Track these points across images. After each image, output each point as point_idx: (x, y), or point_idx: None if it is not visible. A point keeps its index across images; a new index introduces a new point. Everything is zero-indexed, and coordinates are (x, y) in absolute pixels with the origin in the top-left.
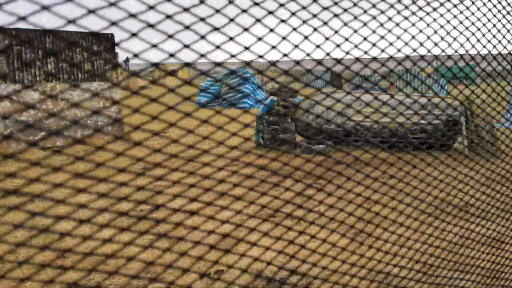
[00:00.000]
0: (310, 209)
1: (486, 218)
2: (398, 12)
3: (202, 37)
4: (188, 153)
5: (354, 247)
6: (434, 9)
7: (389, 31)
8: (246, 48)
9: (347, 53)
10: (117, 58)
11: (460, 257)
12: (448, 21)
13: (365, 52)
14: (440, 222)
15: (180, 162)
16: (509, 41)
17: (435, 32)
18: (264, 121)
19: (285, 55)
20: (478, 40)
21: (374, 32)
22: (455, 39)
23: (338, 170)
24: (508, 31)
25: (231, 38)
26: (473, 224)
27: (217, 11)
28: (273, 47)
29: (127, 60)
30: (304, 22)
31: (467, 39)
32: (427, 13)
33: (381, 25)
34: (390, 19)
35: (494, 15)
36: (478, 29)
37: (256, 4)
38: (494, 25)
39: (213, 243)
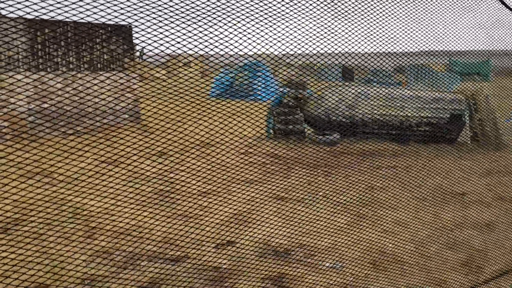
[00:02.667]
0: (316, 193)
1: (480, 205)
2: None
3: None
4: (203, 142)
5: (354, 226)
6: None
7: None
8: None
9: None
10: (134, 49)
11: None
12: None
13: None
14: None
15: (195, 150)
16: None
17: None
18: (274, 113)
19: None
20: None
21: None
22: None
23: (344, 159)
24: None
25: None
26: (466, 210)
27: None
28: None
29: (141, 51)
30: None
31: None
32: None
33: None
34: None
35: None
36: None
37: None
38: None
39: (226, 220)
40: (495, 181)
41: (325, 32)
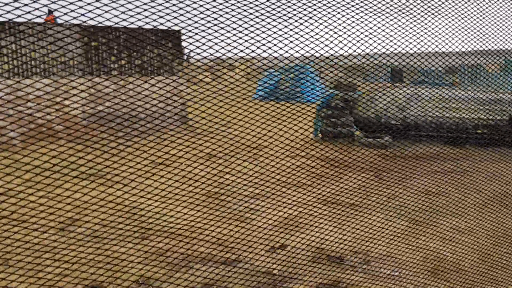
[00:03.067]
0: (369, 198)
1: None
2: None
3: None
4: (251, 145)
5: (411, 233)
6: None
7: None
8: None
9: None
10: (183, 53)
11: None
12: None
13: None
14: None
15: (245, 152)
16: None
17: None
18: (322, 115)
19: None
20: None
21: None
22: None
23: (397, 162)
24: None
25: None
26: None
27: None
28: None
29: (188, 55)
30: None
31: None
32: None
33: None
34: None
35: None
36: None
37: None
38: None
39: (277, 224)
40: None
41: (374, 32)
